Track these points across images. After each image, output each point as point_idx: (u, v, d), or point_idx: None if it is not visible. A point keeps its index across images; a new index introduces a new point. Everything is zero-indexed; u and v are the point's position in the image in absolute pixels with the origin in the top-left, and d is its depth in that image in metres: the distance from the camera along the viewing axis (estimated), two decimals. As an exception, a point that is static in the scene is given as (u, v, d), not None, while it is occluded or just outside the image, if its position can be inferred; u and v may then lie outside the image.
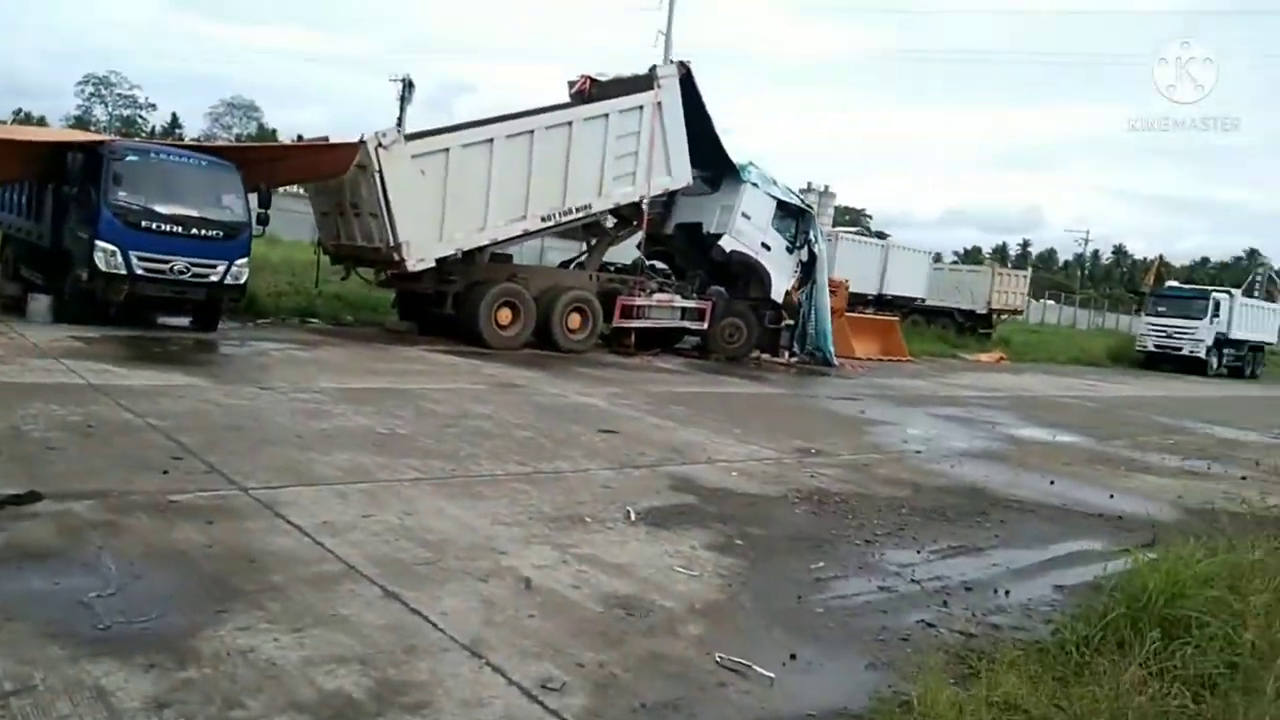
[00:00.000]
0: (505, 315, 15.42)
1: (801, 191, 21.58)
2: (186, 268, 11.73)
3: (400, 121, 34.62)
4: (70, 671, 3.25)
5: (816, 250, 19.35)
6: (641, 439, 8.94)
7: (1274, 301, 42.96)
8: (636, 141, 16.43)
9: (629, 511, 6.20)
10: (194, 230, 11.82)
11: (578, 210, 16.26)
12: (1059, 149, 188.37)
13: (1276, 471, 11.10)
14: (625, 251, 18.91)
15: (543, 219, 15.85)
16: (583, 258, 18.52)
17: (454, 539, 5.24)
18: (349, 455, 6.86)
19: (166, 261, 11.59)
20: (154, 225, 11.53)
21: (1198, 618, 4.23)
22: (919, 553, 6.16)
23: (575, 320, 16.18)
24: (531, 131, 15.34)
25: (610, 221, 17.43)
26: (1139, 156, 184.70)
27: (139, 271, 11.46)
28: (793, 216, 19.04)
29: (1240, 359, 34.04)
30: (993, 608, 5.23)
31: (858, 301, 25.94)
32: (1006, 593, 5.50)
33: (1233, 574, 4.75)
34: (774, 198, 18.59)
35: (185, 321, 12.91)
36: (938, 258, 36.92)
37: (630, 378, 13.81)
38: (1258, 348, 35.53)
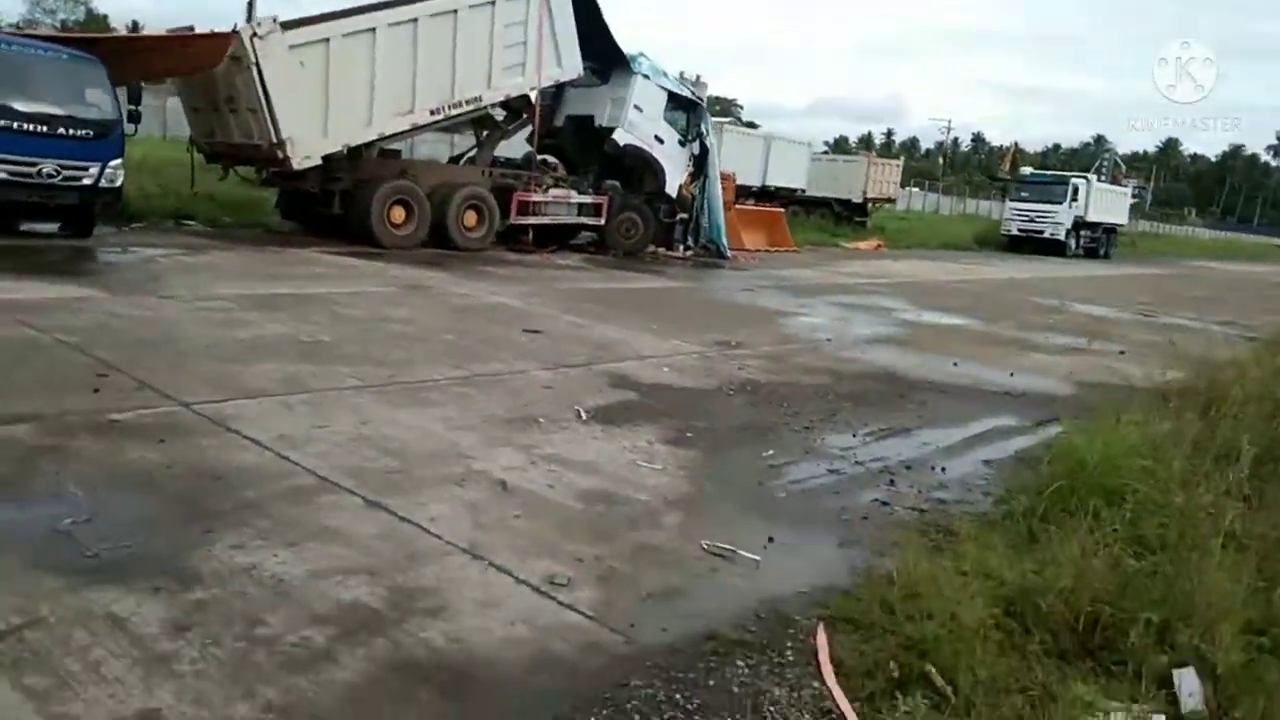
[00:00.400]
0: (398, 214, 14.88)
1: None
2: (56, 170, 10.78)
3: (251, 8, 32.23)
4: (75, 601, 3.14)
5: (708, 143, 19.34)
6: (566, 338, 8.95)
7: (1119, 185, 45.69)
8: (524, 31, 15.84)
9: (579, 411, 6.26)
10: (61, 130, 10.83)
11: (467, 103, 15.68)
12: (918, 38, 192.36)
13: (1148, 346, 12.01)
14: (511, 147, 18.40)
15: (431, 112, 15.22)
16: (473, 153, 17.96)
17: (416, 446, 5.20)
18: (278, 365, 6.63)
19: (33, 164, 10.61)
20: (15, 125, 10.48)
21: (1131, 486, 4.63)
22: (854, 436, 6.48)
23: (471, 218, 15.78)
24: (415, 20, 14.55)
25: (500, 114, 16.92)
26: (992, 46, 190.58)
27: (1, 175, 10.49)
28: (684, 109, 18.90)
29: (1095, 240, 36.24)
30: (935, 484, 5.58)
31: (742, 194, 26.13)
32: (943, 469, 5.88)
33: (1152, 444, 5.19)
34: (665, 90, 18.36)
35: (54, 228, 11.97)
36: (813, 148, 37.63)
37: (535, 276, 13.68)
38: (1110, 230, 37.85)
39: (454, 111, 15.66)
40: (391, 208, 14.76)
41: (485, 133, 17.49)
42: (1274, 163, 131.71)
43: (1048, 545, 4.16)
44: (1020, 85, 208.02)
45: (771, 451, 5.86)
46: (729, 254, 19.75)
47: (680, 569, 4.00)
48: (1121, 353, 11.26)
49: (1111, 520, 4.29)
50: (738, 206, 23.16)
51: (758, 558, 4.16)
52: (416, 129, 15.89)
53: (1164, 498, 4.56)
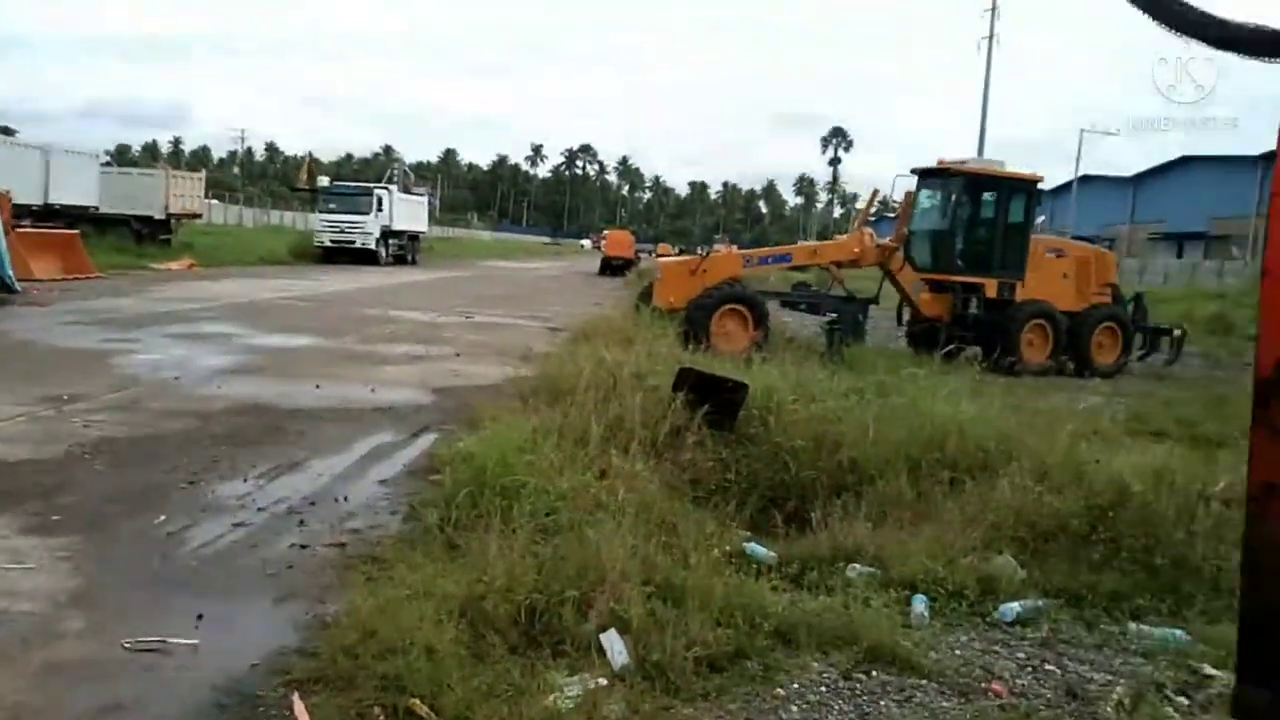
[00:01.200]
0: None
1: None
2: None
3: None
4: None
5: (-30, 157, 16.16)
6: None
7: (413, 194, 49.67)
8: None
9: (-117, 520, 4.92)
10: None
11: None
12: (199, 41, 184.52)
13: (478, 346, 13.47)
14: None
15: None
16: None
17: None
18: None
19: None
20: None
21: (523, 480, 5.27)
22: (246, 481, 6.20)
23: None
24: None
25: None
26: (286, 54, 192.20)
27: None
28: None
29: (403, 248, 38.82)
30: (343, 514, 5.65)
31: (21, 214, 22.39)
32: (346, 498, 5.97)
33: (530, 439, 5.94)
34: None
35: None
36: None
37: None
38: (414, 236, 40.91)
39: None
40: None
41: None
42: (532, 171, 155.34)
43: (469, 552, 4.56)
44: (307, 94, 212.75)
45: (163, 517, 5.32)
46: (18, 287, 16.80)
47: (108, 680, 3.49)
48: (457, 355, 12.45)
49: (518, 515, 4.86)
50: (19, 230, 19.86)
51: (194, 641, 3.82)
52: None
53: (550, 485, 5.30)
